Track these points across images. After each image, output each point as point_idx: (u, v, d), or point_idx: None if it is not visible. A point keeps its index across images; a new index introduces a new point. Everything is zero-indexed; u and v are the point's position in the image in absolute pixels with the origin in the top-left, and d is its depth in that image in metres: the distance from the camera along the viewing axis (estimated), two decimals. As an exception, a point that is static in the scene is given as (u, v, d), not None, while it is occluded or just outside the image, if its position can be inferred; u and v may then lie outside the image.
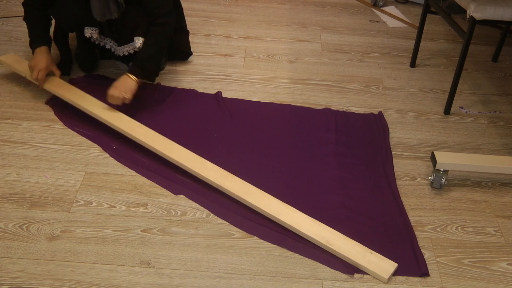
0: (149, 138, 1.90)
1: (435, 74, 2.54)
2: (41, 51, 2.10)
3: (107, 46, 2.26)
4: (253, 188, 1.74)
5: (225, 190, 1.74)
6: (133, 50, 2.19)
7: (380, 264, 1.54)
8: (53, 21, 2.26)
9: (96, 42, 2.25)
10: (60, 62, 2.35)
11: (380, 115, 2.20)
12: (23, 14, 2.17)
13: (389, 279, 1.52)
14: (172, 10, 2.10)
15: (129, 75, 2.04)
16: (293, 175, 1.87)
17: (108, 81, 2.28)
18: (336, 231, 1.62)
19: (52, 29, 2.29)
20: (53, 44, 2.33)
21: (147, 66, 2.07)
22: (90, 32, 2.17)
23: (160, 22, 2.07)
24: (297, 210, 1.68)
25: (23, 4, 2.16)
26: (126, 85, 2.03)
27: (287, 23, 2.95)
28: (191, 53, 2.51)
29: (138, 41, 2.12)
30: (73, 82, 2.28)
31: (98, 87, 2.24)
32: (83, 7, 2.08)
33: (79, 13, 2.10)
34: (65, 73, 2.33)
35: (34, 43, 2.13)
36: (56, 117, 2.09)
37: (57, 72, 2.15)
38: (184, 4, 2.56)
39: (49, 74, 2.15)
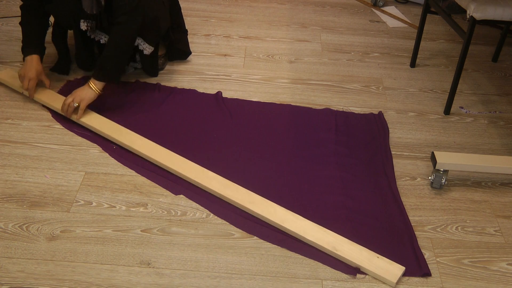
0: (149, 150, 1.90)
1: (435, 74, 2.54)
2: (32, 59, 2.08)
3: (102, 41, 2.24)
4: (257, 196, 1.74)
5: (228, 200, 1.74)
6: None
7: (388, 269, 1.53)
8: (51, 21, 2.26)
9: (92, 36, 2.22)
10: (58, 61, 2.34)
11: (380, 115, 2.20)
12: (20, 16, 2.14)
13: (397, 283, 1.52)
14: (136, 9, 2.01)
15: (91, 83, 2.01)
16: (293, 175, 1.87)
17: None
18: (341, 236, 1.62)
19: (50, 29, 2.29)
20: (51, 44, 2.33)
21: (107, 67, 2.02)
22: (86, 25, 2.15)
23: (121, 21, 1.99)
24: (302, 217, 1.67)
25: (21, 7, 2.13)
26: (82, 94, 2.00)
27: (287, 23, 2.95)
28: (190, 52, 2.51)
29: None
30: (70, 84, 2.28)
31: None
32: (79, 1, 2.07)
33: (75, 6, 2.09)
34: (64, 72, 2.33)
35: (25, 49, 2.11)
36: (56, 117, 2.09)
37: (47, 82, 2.13)
38: (184, 4, 2.57)
39: (40, 84, 2.14)
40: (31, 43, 2.11)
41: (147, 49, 2.20)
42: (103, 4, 2.06)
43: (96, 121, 2.02)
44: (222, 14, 3.00)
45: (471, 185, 1.89)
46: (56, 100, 2.10)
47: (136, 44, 2.18)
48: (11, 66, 2.38)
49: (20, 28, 2.15)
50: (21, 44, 2.13)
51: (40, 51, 2.13)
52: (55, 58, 2.36)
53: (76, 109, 2.01)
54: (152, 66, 2.34)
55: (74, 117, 2.02)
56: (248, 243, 1.62)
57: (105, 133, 1.97)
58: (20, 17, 2.14)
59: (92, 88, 2.01)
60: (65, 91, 2.22)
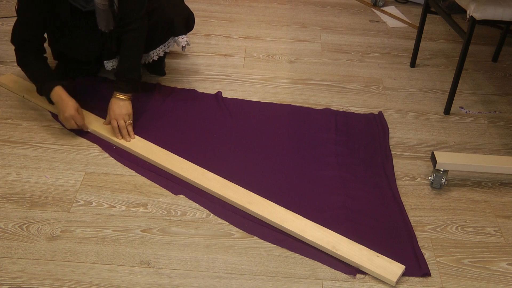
0: (149, 151, 1.90)
1: (435, 74, 2.54)
2: (58, 94, 1.90)
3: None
4: (256, 196, 1.74)
5: (228, 200, 1.74)
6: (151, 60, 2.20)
7: (387, 268, 1.53)
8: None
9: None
10: (61, 68, 2.28)
11: (380, 115, 2.20)
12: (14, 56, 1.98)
13: (398, 282, 1.52)
14: (144, 15, 1.97)
15: (119, 95, 1.94)
16: (293, 175, 1.87)
17: (107, 83, 2.29)
18: (341, 236, 1.62)
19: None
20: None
21: (132, 77, 1.96)
22: (111, 64, 2.13)
23: (135, 27, 1.94)
24: (301, 217, 1.67)
25: (15, 50, 1.96)
26: (123, 110, 1.93)
27: (287, 23, 2.95)
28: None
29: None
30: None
31: (95, 91, 2.25)
32: (97, 42, 2.01)
33: (96, 49, 2.04)
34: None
35: (44, 88, 1.93)
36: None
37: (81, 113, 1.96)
38: (184, 4, 2.56)
39: None
40: (45, 78, 1.94)
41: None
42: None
43: (95, 123, 2.02)
44: (222, 14, 3.00)
45: (471, 185, 1.89)
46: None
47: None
48: (11, 66, 2.38)
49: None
50: (34, 85, 1.97)
51: (58, 80, 1.94)
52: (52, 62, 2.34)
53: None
54: (160, 66, 2.34)
55: (128, 138, 1.94)
56: (248, 243, 1.62)
57: (105, 135, 1.97)
58: (16, 56, 1.98)
59: (126, 99, 1.94)
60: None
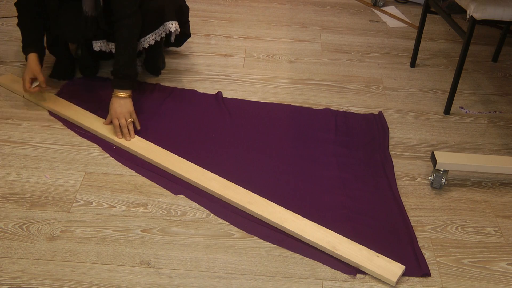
0: (149, 151, 1.90)
1: (435, 74, 2.54)
2: (30, 59, 2.04)
3: (114, 51, 2.20)
4: (257, 196, 1.74)
5: (228, 200, 1.74)
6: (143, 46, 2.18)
7: (387, 268, 1.53)
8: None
9: (107, 51, 2.17)
10: (59, 66, 2.29)
11: (380, 115, 2.20)
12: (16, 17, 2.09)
13: (398, 282, 1.51)
14: (137, 10, 1.97)
15: (118, 93, 1.94)
16: (293, 176, 1.87)
17: (107, 83, 2.29)
18: (341, 236, 1.62)
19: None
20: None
21: (128, 73, 1.96)
22: (99, 45, 2.12)
23: (127, 24, 1.95)
24: (301, 217, 1.67)
25: (15, 4, 2.08)
26: (124, 108, 1.94)
27: (287, 23, 2.95)
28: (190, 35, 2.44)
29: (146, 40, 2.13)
30: (70, 84, 2.27)
31: (96, 91, 2.25)
32: (87, 22, 2.02)
33: (85, 28, 2.04)
34: (67, 77, 2.29)
35: (25, 49, 2.07)
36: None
37: (41, 79, 2.03)
38: (184, 4, 2.56)
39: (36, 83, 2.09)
40: (30, 43, 2.07)
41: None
42: (102, 5, 2.01)
43: (95, 123, 2.02)
44: (222, 14, 3.00)
45: (471, 185, 1.89)
46: (63, 106, 2.07)
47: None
48: (11, 66, 2.38)
49: (18, 29, 2.12)
50: (20, 44, 2.10)
51: (38, 50, 2.07)
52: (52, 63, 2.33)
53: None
54: (156, 64, 2.33)
55: (129, 137, 1.95)
56: (248, 243, 1.62)
57: (105, 135, 1.97)
58: (17, 18, 2.10)
59: (126, 97, 1.95)
60: (65, 92, 2.21)
